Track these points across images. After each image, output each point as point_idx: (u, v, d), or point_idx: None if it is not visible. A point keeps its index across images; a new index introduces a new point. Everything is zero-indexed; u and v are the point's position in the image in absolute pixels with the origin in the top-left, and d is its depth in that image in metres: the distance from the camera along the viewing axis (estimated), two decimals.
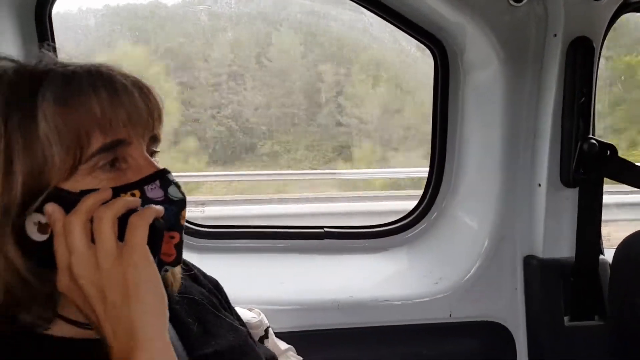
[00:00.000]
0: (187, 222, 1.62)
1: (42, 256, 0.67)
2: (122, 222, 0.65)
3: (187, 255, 1.59)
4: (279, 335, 1.33)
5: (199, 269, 1.03)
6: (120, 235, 0.65)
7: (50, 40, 1.37)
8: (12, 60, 0.72)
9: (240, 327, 0.97)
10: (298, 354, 1.28)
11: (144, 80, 0.73)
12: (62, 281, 0.64)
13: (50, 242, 0.66)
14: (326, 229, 1.69)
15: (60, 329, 0.72)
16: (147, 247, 0.64)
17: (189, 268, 1.00)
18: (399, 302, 1.50)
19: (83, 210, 0.64)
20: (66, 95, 0.67)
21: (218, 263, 1.60)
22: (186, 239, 1.57)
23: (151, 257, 0.64)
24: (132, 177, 0.70)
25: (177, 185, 0.72)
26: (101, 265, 0.62)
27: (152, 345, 0.61)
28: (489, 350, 1.55)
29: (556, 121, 1.45)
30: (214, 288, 1.02)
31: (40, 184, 0.66)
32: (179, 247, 0.73)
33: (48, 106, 0.66)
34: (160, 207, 0.68)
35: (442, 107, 1.65)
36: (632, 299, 1.33)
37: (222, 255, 1.62)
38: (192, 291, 0.95)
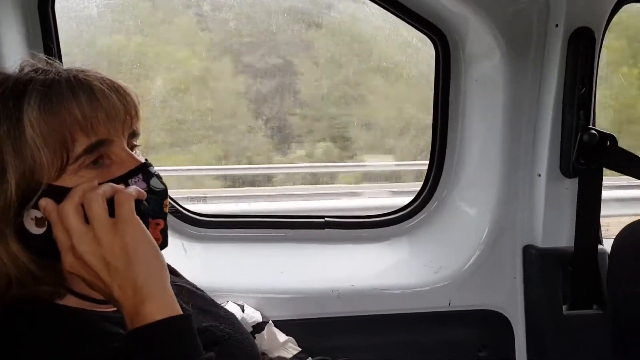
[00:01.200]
0: (189, 211, 1.64)
1: (42, 247, 0.74)
2: (110, 206, 0.71)
3: (189, 245, 1.62)
4: (279, 323, 1.35)
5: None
6: (111, 216, 0.71)
7: (53, 32, 1.37)
8: None
9: (228, 310, 1.05)
10: (298, 343, 1.29)
11: (119, 82, 0.79)
12: (67, 261, 0.70)
13: (47, 234, 0.72)
14: (327, 219, 1.70)
15: (71, 301, 0.79)
16: (137, 216, 0.71)
17: (172, 268, 1.06)
18: (399, 291, 1.52)
19: (74, 196, 0.71)
20: (48, 101, 0.73)
21: (219, 252, 1.62)
22: (188, 228, 1.61)
23: (142, 224, 0.71)
24: (116, 172, 0.76)
25: (158, 177, 0.79)
26: (100, 238, 0.69)
27: (157, 296, 0.68)
28: (487, 339, 1.56)
29: (557, 112, 1.45)
30: (197, 288, 1.09)
31: (32, 184, 0.73)
32: (164, 232, 0.80)
33: (32, 113, 0.72)
34: (142, 190, 0.75)
35: (443, 97, 1.64)
36: (630, 288, 1.35)
37: (224, 244, 1.64)
38: (180, 282, 1.03)
